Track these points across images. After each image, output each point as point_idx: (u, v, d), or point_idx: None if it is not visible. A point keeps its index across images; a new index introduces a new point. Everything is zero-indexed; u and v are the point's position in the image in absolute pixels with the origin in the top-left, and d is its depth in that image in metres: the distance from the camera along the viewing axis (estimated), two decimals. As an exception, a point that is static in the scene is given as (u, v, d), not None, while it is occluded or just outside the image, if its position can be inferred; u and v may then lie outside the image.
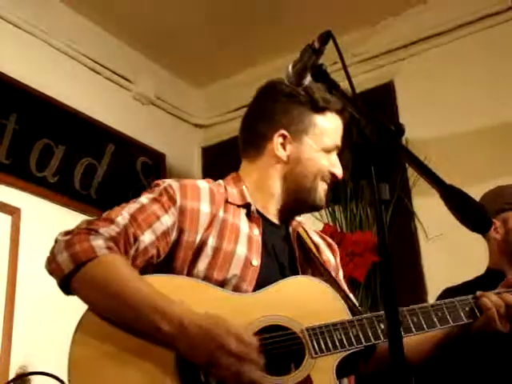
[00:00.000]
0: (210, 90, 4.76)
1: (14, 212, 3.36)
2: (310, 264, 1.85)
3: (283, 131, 1.86)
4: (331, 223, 3.80)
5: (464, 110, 3.79)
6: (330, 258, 1.97)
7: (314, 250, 1.90)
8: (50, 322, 3.33)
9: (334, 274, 1.91)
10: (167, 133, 4.53)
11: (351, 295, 1.92)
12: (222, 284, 1.69)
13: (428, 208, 3.60)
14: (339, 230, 3.78)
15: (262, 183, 1.88)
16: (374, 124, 1.22)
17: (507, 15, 3.80)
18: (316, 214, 3.65)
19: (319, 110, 1.87)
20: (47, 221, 3.47)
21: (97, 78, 4.11)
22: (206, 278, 1.68)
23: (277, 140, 1.86)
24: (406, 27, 4.09)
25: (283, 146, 1.86)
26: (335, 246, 2.04)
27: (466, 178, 3.22)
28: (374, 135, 1.20)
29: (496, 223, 2.48)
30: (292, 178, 1.86)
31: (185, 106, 4.70)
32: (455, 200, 1.07)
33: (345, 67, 1.42)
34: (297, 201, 1.88)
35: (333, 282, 1.79)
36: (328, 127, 1.88)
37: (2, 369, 3.09)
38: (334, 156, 1.89)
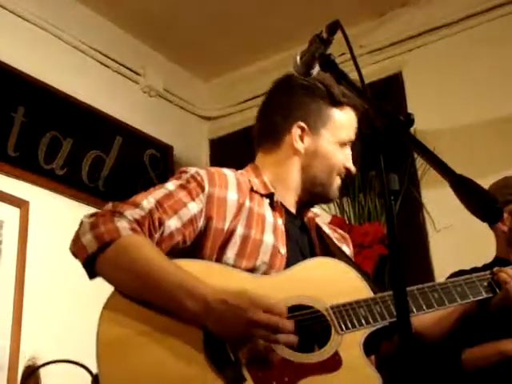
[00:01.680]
0: (218, 82, 4.75)
1: (22, 204, 3.36)
2: (328, 253, 1.87)
3: (302, 123, 1.87)
4: (339, 215, 3.79)
5: (473, 101, 3.77)
6: (344, 248, 1.99)
7: (328, 240, 1.92)
8: (58, 315, 3.34)
9: None
10: (175, 125, 4.53)
11: None
12: (251, 271, 1.70)
13: (436, 199, 3.59)
14: (347, 221, 3.78)
15: (281, 175, 1.89)
16: (383, 114, 1.21)
17: (516, 5, 3.78)
18: (324, 205, 3.64)
19: (337, 103, 1.89)
20: (55, 213, 3.48)
21: (105, 70, 4.11)
22: (236, 266, 1.69)
23: (295, 132, 1.88)
24: (414, 18, 4.07)
25: (301, 138, 1.88)
26: (347, 236, 2.09)
27: (476, 168, 3.20)
28: (383, 126, 1.19)
29: (503, 215, 2.48)
30: (309, 170, 1.88)
31: (192, 99, 4.69)
32: (465, 190, 1.06)
33: (353, 56, 1.42)
34: (311, 193, 1.90)
35: (355, 266, 1.80)
36: (344, 121, 1.90)
37: (12, 358, 3.10)
38: (347, 150, 1.91)
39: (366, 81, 1.40)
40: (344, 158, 1.89)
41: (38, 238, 3.36)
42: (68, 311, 3.34)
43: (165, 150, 4.34)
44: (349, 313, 1.63)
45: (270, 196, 1.84)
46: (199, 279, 1.54)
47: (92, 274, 1.61)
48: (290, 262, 1.75)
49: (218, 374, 1.49)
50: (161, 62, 4.49)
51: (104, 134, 3.95)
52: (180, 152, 4.46)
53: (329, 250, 1.88)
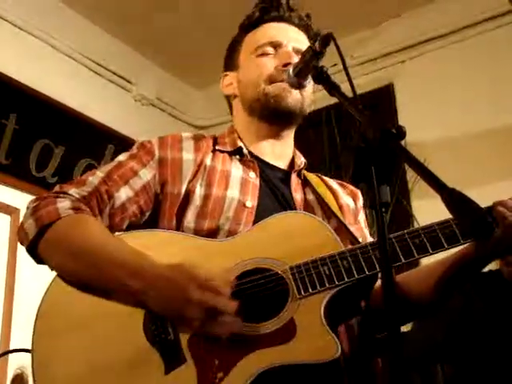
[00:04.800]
0: (211, 91, 4.75)
1: (12, 212, 3.36)
2: (316, 209, 1.73)
3: (223, 73, 1.90)
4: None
5: (464, 113, 3.79)
6: (349, 202, 1.83)
7: (328, 196, 1.77)
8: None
9: (351, 218, 1.80)
10: (167, 134, 4.52)
11: (370, 239, 1.77)
12: (214, 232, 1.59)
13: (427, 210, 3.58)
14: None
15: (239, 124, 1.84)
16: (375, 126, 1.21)
17: (508, 18, 3.81)
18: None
19: (248, 30, 1.86)
20: (46, 221, 3.47)
21: (97, 78, 4.11)
22: (197, 229, 1.59)
23: (221, 83, 1.90)
24: (406, 30, 4.09)
25: (227, 84, 1.89)
26: (357, 192, 1.89)
27: (465, 180, 3.21)
28: (375, 138, 1.19)
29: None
30: (242, 99, 1.83)
31: (185, 108, 4.70)
32: (457, 204, 1.06)
33: (346, 69, 1.42)
34: (259, 113, 1.77)
35: (341, 227, 1.66)
36: (256, 36, 1.83)
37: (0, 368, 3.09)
38: (272, 58, 1.77)
39: (358, 92, 1.41)
40: (267, 64, 1.75)
41: (28, 246, 3.35)
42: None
43: (157, 159, 4.33)
44: (310, 272, 1.45)
45: (239, 150, 1.75)
46: (141, 254, 1.43)
47: (37, 261, 1.54)
48: (261, 215, 1.60)
49: (159, 356, 1.41)
50: (153, 71, 4.50)
51: (96, 143, 3.95)
52: (172, 161, 4.45)
53: (317, 207, 1.73)
